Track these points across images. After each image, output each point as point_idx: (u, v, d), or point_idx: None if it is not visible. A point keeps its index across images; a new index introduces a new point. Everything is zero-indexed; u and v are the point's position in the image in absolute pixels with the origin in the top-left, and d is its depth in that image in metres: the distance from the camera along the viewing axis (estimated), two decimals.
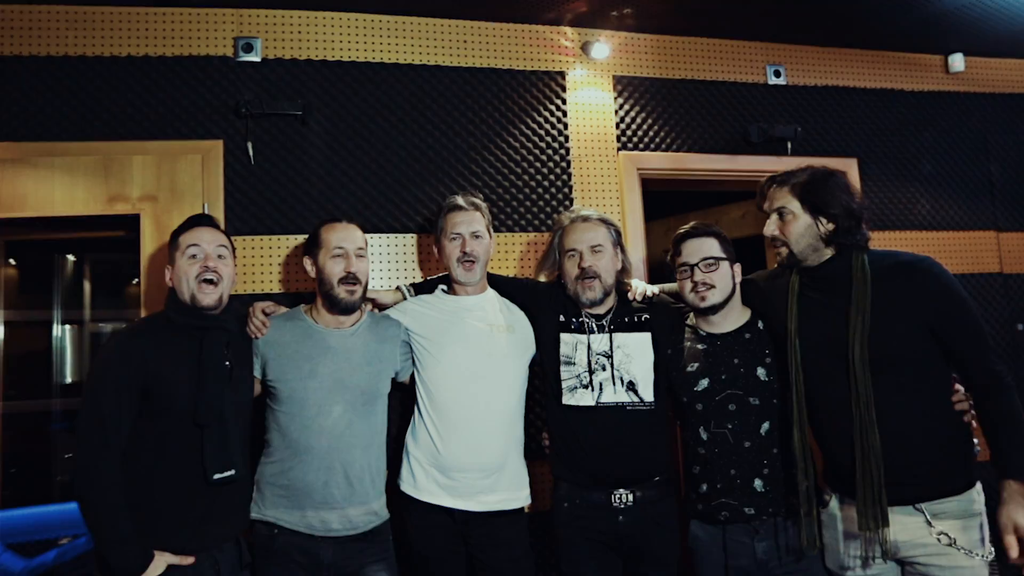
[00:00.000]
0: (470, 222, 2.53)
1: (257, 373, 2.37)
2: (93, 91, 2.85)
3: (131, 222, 2.82)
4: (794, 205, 2.15)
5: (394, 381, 2.52)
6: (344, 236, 2.41)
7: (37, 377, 5.20)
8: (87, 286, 5.65)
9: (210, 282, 2.19)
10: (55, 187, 2.76)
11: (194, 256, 2.20)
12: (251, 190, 2.92)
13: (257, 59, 2.99)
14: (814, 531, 2.12)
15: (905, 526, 2.00)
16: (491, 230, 2.61)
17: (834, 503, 2.16)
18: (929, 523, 1.97)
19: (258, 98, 2.94)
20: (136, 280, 2.70)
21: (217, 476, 2.11)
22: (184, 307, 2.19)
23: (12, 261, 5.30)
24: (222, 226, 2.82)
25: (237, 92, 2.96)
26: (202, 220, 2.31)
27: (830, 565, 2.18)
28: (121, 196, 2.80)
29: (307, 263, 2.46)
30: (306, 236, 2.85)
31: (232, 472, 2.14)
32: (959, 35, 3.67)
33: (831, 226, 2.12)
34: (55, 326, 5.35)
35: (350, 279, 2.36)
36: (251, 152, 2.92)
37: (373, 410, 2.39)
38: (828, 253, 2.15)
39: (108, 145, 2.83)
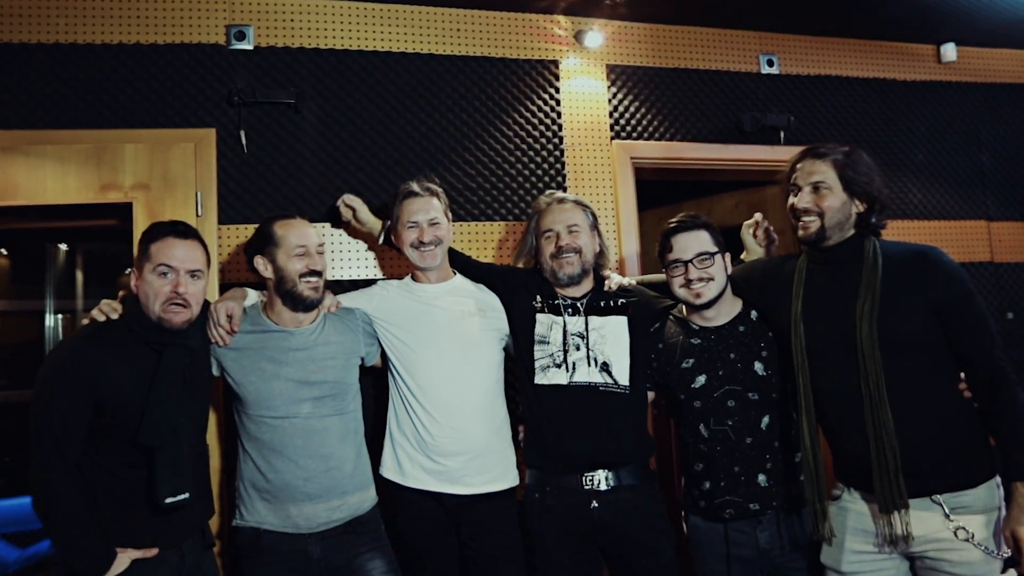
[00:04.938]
0: (427, 209, 2.48)
1: (215, 372, 2.34)
2: (84, 79, 2.83)
3: (124, 211, 2.81)
4: (832, 179, 2.09)
5: (364, 368, 2.52)
6: (304, 233, 2.33)
7: (30, 367, 5.19)
8: (79, 275, 5.64)
9: (180, 305, 2.05)
10: (47, 175, 2.74)
11: (164, 275, 2.04)
12: (244, 179, 2.91)
13: (250, 47, 2.98)
14: (828, 520, 2.07)
15: (922, 520, 1.94)
16: (449, 214, 2.56)
17: (845, 496, 2.11)
18: (948, 516, 1.92)
19: (251, 86, 2.93)
20: (129, 270, 2.68)
21: (169, 500, 2.00)
22: (147, 321, 2.05)
23: (4, 251, 5.29)
24: (217, 216, 2.82)
25: (230, 80, 2.94)
26: (177, 230, 2.10)
27: (828, 561, 2.11)
28: (113, 184, 2.79)
29: (260, 262, 2.33)
30: None
31: (185, 496, 2.03)
32: (951, 25, 3.68)
33: (863, 207, 2.10)
34: (47, 316, 5.34)
35: (314, 275, 2.29)
36: (244, 140, 2.91)
37: (344, 401, 2.37)
38: (848, 234, 2.11)
39: (100, 133, 2.81)
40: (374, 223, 2.73)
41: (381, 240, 2.69)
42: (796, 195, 2.15)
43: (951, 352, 2.01)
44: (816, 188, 2.10)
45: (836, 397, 2.07)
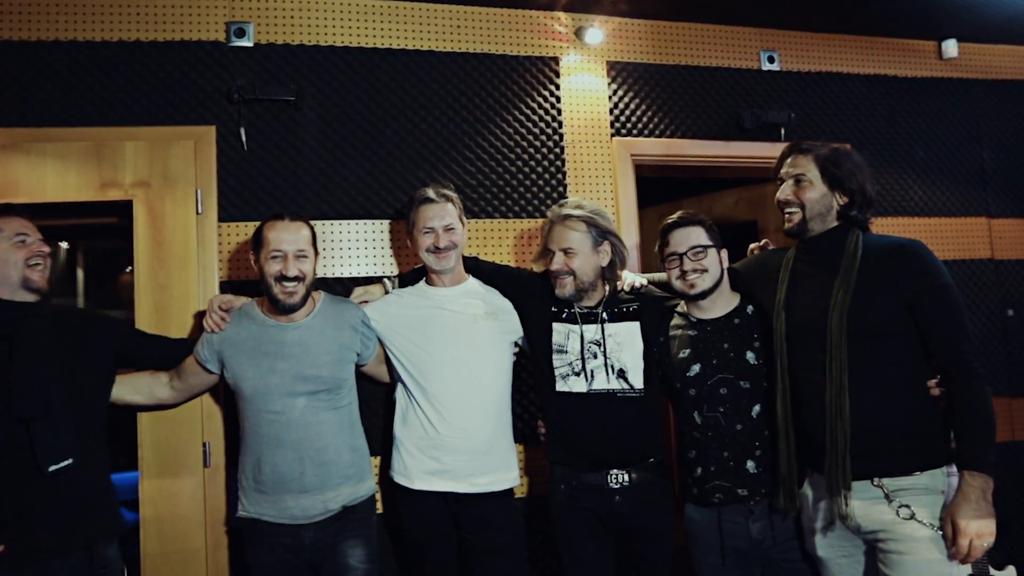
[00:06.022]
0: (442, 216, 2.52)
1: (215, 370, 2.41)
2: (84, 76, 2.83)
3: (124, 208, 2.81)
4: (813, 173, 2.20)
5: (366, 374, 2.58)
6: (283, 237, 2.34)
7: None
8: (80, 273, 5.64)
9: (39, 261, 2.19)
10: (47, 173, 2.73)
11: (23, 242, 2.17)
12: (244, 176, 2.91)
13: (249, 44, 2.98)
14: (794, 490, 2.17)
15: (870, 504, 2.03)
16: (463, 219, 2.60)
17: (809, 482, 2.21)
18: (888, 497, 2.00)
19: (251, 83, 2.92)
20: (129, 268, 2.69)
21: (53, 468, 2.04)
22: None
23: None
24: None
25: (230, 77, 2.94)
26: (11, 209, 2.25)
27: (808, 547, 2.22)
28: (114, 182, 2.79)
29: (252, 260, 2.43)
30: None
31: (69, 461, 2.07)
32: (952, 21, 3.67)
33: (845, 200, 2.18)
34: None
35: (287, 279, 2.32)
36: (244, 138, 2.91)
37: (339, 396, 2.41)
38: (831, 225, 2.20)
39: (100, 131, 2.80)
40: (379, 290, 2.70)
41: (395, 287, 2.69)
42: (780, 188, 2.27)
43: (922, 344, 2.08)
44: (797, 181, 2.22)
45: (805, 382, 2.16)
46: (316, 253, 2.45)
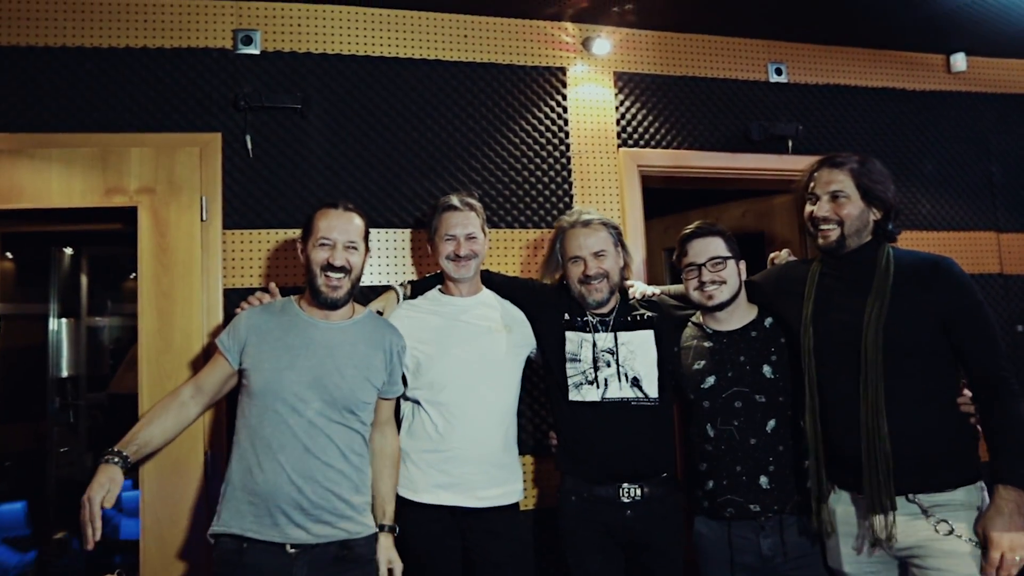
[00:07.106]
0: (465, 224, 2.51)
1: (235, 363, 2.24)
2: (91, 82, 2.83)
3: (128, 215, 2.80)
4: (850, 188, 2.15)
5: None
6: (334, 224, 2.27)
7: (33, 371, 5.19)
8: (84, 280, 5.64)
9: None
10: (52, 178, 2.73)
11: None
12: (249, 183, 2.90)
13: (256, 52, 2.97)
14: (827, 516, 2.13)
15: (907, 523, 2.00)
16: (486, 229, 2.59)
17: (833, 497, 2.17)
18: (925, 512, 1.98)
19: (257, 91, 2.92)
20: (133, 274, 2.67)
21: None
22: None
23: (9, 254, 5.29)
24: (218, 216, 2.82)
25: (236, 85, 2.94)
26: None
27: (832, 563, 2.19)
28: (118, 188, 2.78)
29: (299, 248, 2.35)
30: None
31: None
32: (961, 34, 3.66)
33: (879, 215, 2.15)
34: (51, 320, 5.33)
35: (333, 269, 2.22)
36: (250, 145, 2.90)
37: (355, 417, 2.24)
38: (865, 240, 2.17)
39: (106, 137, 2.80)
40: (392, 299, 2.63)
41: (408, 294, 2.64)
42: (814, 204, 2.20)
43: (955, 360, 2.06)
44: (835, 197, 2.16)
45: (837, 399, 2.12)
46: (367, 249, 2.37)
